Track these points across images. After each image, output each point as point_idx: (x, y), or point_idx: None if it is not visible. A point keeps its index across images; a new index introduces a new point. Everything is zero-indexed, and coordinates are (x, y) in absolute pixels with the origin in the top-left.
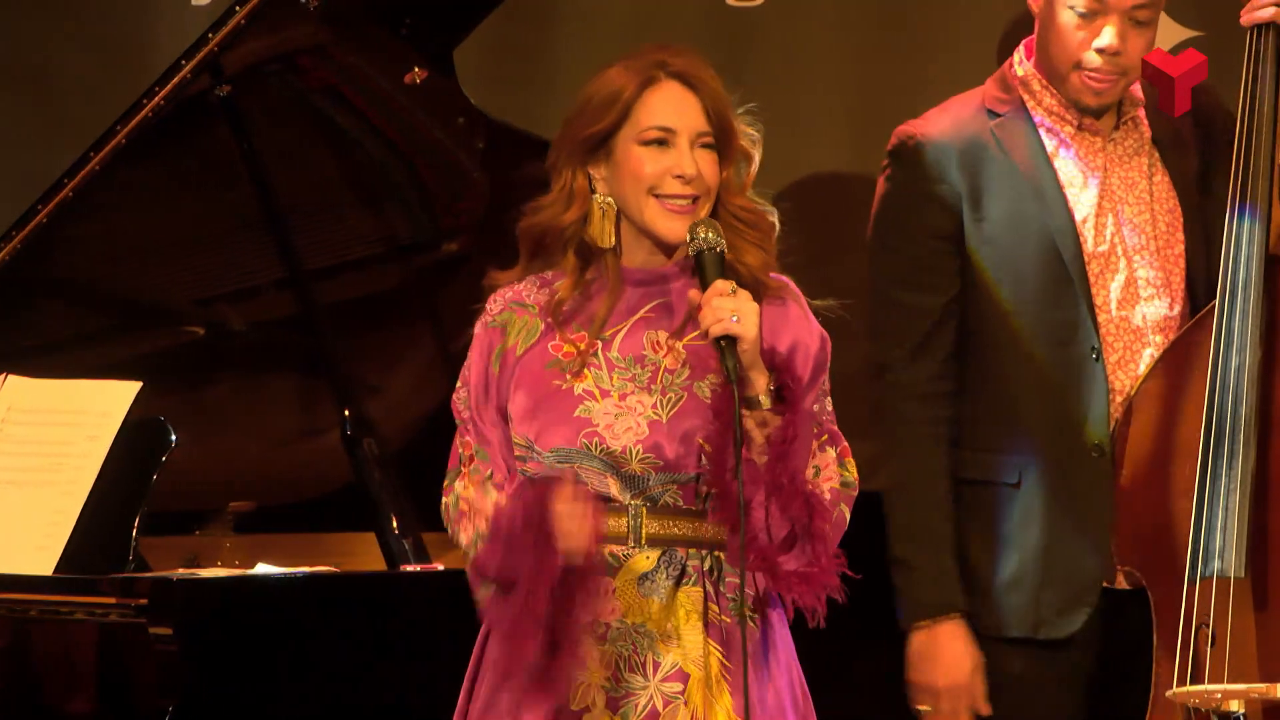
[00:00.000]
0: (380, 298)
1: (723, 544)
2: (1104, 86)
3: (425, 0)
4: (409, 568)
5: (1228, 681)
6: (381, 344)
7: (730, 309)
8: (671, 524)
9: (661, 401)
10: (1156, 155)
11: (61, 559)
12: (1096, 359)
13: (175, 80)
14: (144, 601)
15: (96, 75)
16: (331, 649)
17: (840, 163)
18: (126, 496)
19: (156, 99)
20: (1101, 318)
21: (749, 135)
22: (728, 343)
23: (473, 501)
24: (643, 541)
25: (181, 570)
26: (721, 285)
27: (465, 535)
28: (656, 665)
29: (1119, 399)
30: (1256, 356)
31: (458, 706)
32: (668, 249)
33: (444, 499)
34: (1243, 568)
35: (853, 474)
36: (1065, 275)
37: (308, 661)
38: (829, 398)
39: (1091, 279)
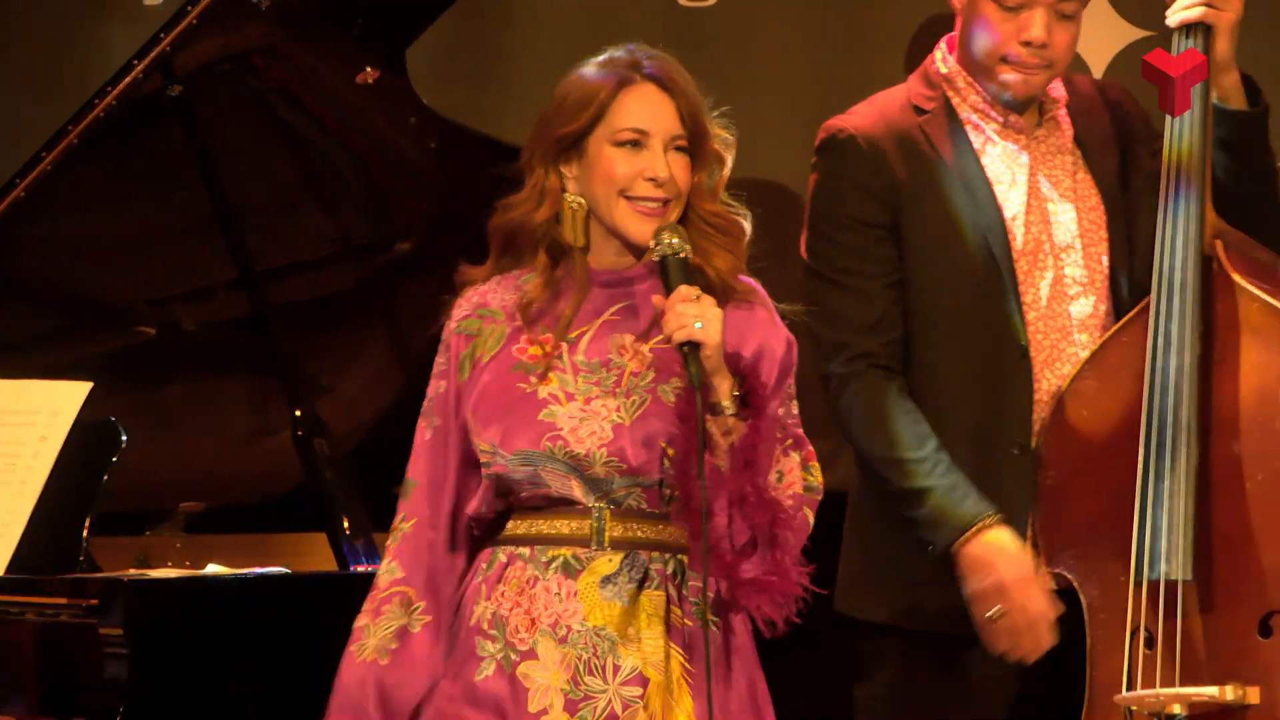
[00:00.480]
0: (333, 298)
1: (686, 547)
2: (1031, 77)
3: (377, 0)
4: (361, 568)
5: (1172, 684)
6: (334, 344)
7: (694, 315)
8: (635, 527)
9: (625, 404)
10: (1079, 154)
11: (12, 559)
12: (1023, 357)
13: (127, 80)
14: (94, 602)
15: (48, 75)
16: (283, 650)
17: (793, 162)
18: (77, 497)
19: (108, 99)
20: (1030, 315)
21: (722, 139)
22: (691, 348)
23: (377, 594)
24: (605, 544)
25: (132, 571)
26: (685, 291)
27: (365, 609)
28: (616, 669)
29: (1043, 398)
30: (1194, 358)
31: None
32: (636, 250)
33: (395, 518)
34: (1189, 570)
35: (817, 479)
36: (996, 272)
37: (258, 662)
38: (794, 402)
39: (1020, 277)
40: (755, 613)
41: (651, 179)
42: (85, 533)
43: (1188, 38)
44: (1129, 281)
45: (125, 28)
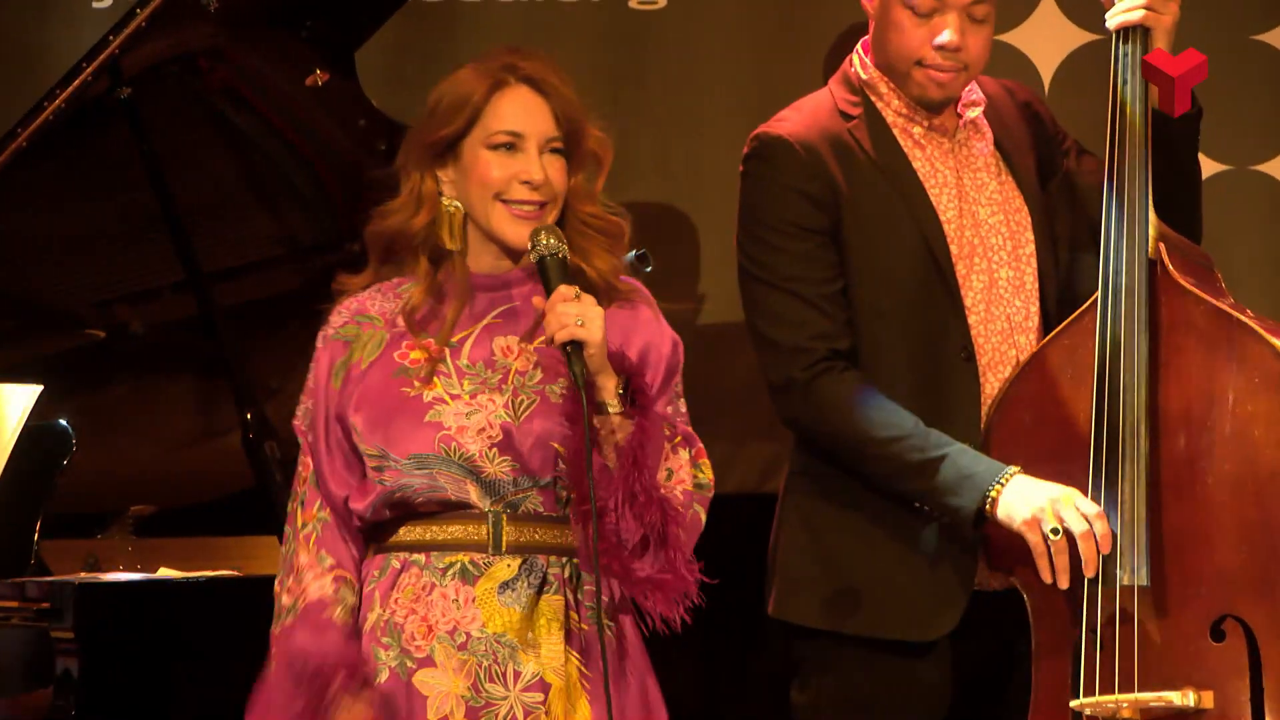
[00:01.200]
0: (280, 299)
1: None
2: (947, 79)
3: (326, 3)
4: None
5: (1129, 689)
6: (282, 346)
7: (575, 314)
8: (532, 531)
9: (513, 403)
10: (1000, 156)
11: None
12: (969, 359)
13: (76, 82)
14: (45, 605)
15: None
16: (232, 653)
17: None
18: (27, 500)
19: (57, 101)
20: (972, 319)
21: (599, 139)
22: (574, 348)
23: (300, 569)
24: (503, 549)
25: (83, 574)
26: (565, 291)
27: (284, 597)
28: (517, 675)
29: (988, 400)
30: (1144, 361)
31: None
32: (515, 254)
33: (285, 526)
34: (1145, 575)
35: (707, 475)
36: (937, 275)
37: (209, 664)
38: (682, 400)
39: (959, 280)
40: (651, 611)
41: (526, 182)
42: (35, 536)
43: (1126, 41)
44: (1055, 283)
45: (73, 29)
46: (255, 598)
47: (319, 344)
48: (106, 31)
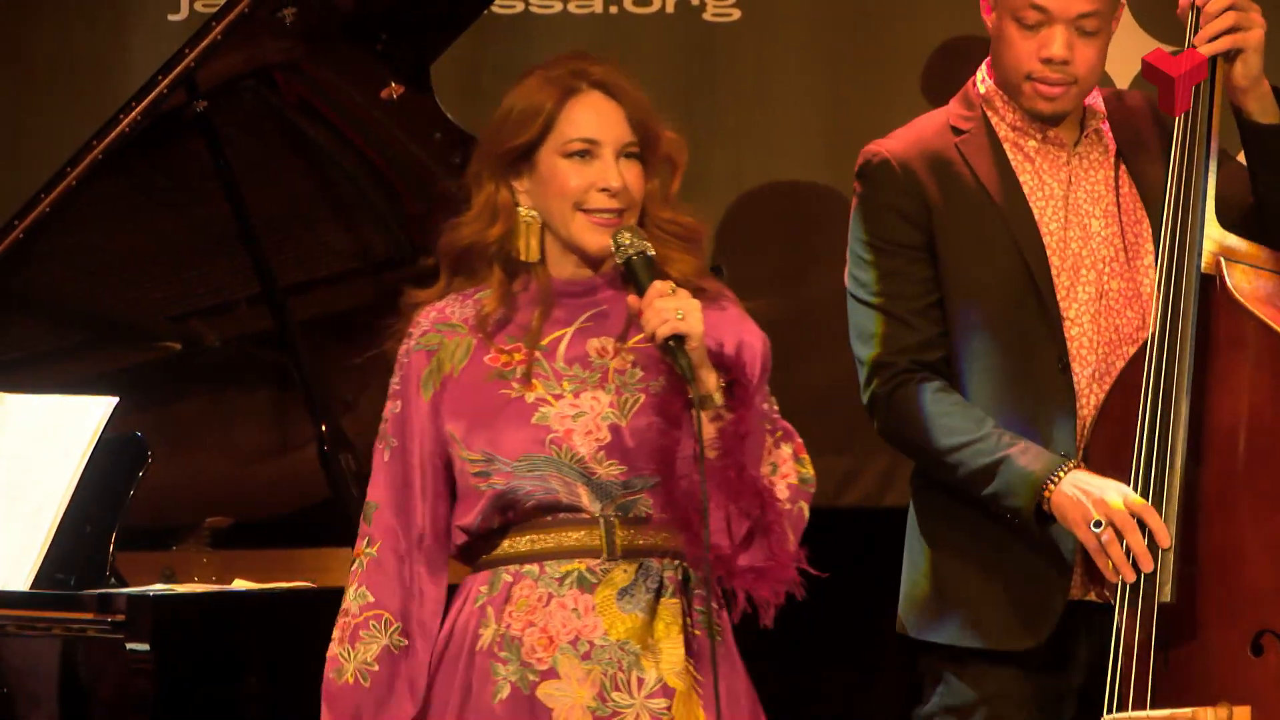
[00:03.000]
0: (355, 313)
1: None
2: (1056, 93)
3: (401, 16)
4: None
5: (1160, 705)
6: (356, 359)
7: (674, 308)
8: (644, 534)
9: (619, 402)
10: (1123, 167)
11: (38, 575)
12: (1063, 370)
13: (152, 95)
14: (121, 617)
15: (74, 90)
16: (308, 665)
17: (814, 176)
18: (103, 512)
19: (133, 114)
20: (1073, 331)
21: (674, 141)
22: (676, 342)
23: (343, 608)
24: (617, 554)
25: (158, 586)
26: (660, 286)
27: (336, 639)
28: (641, 681)
29: (1087, 412)
30: (1187, 377)
31: None
32: (594, 262)
33: (357, 543)
34: (1168, 593)
35: (810, 470)
36: (1032, 288)
37: (284, 677)
38: (774, 398)
39: (1062, 292)
40: (755, 595)
41: (605, 189)
42: (111, 548)
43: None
44: None
45: (150, 43)
46: (329, 610)
47: (401, 358)
48: (182, 45)
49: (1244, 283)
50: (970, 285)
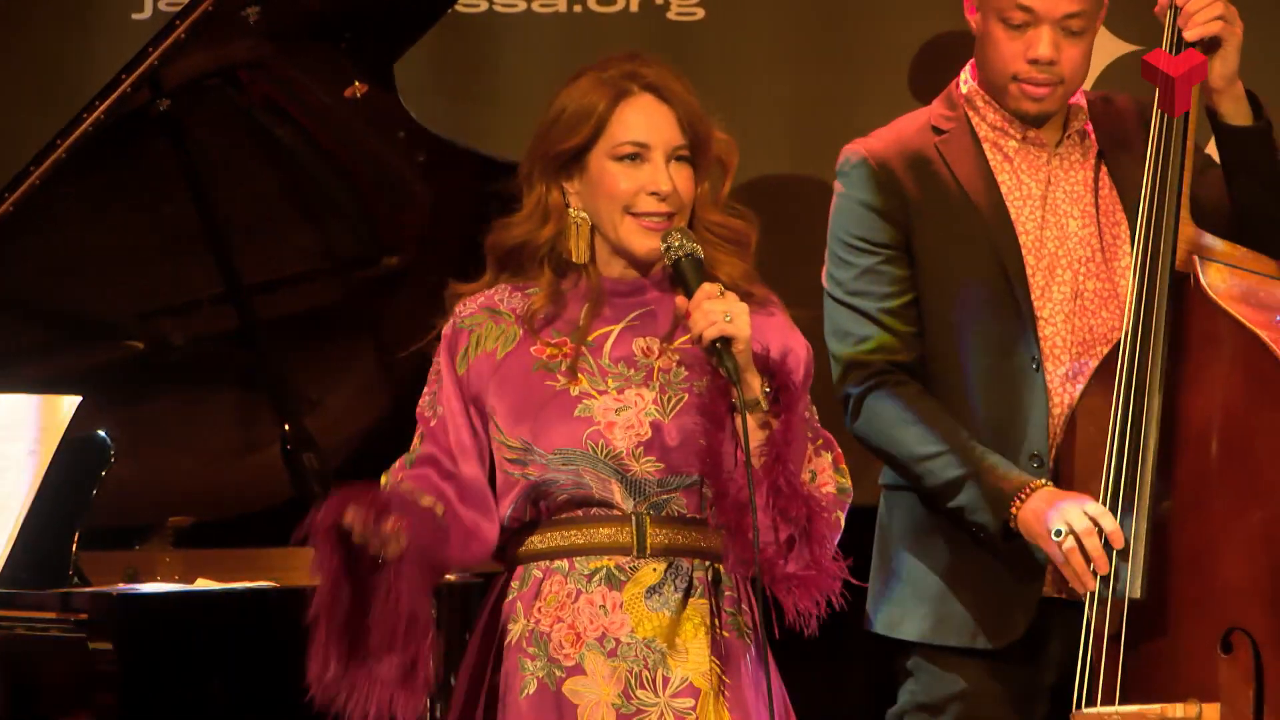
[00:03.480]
0: (320, 312)
1: (722, 554)
2: (1042, 93)
3: (365, 15)
4: None
5: (1129, 701)
6: (321, 359)
7: (722, 310)
8: (675, 533)
9: (663, 399)
10: (1104, 168)
11: (0, 574)
12: (1037, 369)
13: (116, 94)
14: (84, 617)
15: (36, 89)
16: (272, 664)
17: (780, 173)
18: (66, 511)
19: (97, 113)
20: (1047, 330)
21: (725, 143)
22: (723, 344)
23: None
24: (647, 552)
25: (122, 585)
26: (709, 288)
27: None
28: (666, 680)
29: (1060, 411)
30: (1159, 374)
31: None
32: (643, 264)
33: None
34: (1138, 588)
35: (848, 480)
36: (1007, 288)
37: (248, 676)
38: (814, 407)
39: (1037, 291)
40: (791, 608)
41: (654, 193)
42: (74, 547)
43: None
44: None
45: (114, 42)
46: (293, 609)
47: (445, 333)
48: (146, 44)
49: (1219, 281)
50: (947, 285)
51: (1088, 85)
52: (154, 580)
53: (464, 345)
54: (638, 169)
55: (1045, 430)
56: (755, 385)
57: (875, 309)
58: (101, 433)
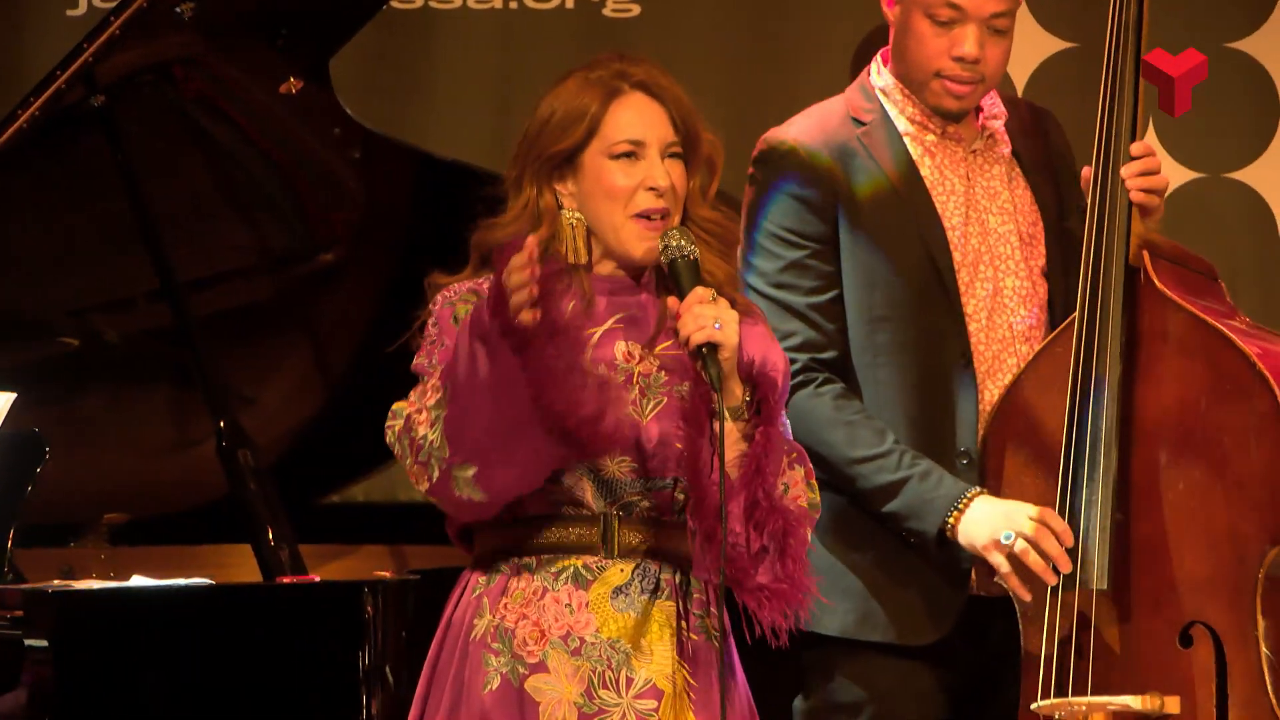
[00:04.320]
0: (254, 309)
1: (691, 557)
2: (965, 91)
3: (300, 11)
4: (285, 579)
5: (1090, 693)
6: (255, 355)
7: (712, 316)
8: (644, 535)
9: (641, 402)
10: (1016, 167)
11: None
12: (967, 365)
13: (50, 91)
14: (19, 614)
15: None
16: (209, 661)
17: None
18: (1, 508)
19: (31, 109)
20: (972, 326)
21: (712, 143)
22: (710, 350)
23: (422, 395)
24: (615, 553)
25: (57, 582)
26: (702, 293)
27: (423, 424)
28: (630, 681)
29: (987, 409)
30: (1118, 368)
31: None
32: (637, 268)
33: (389, 427)
34: (1105, 580)
35: (817, 496)
36: (938, 282)
37: (184, 673)
38: (787, 420)
39: (961, 287)
40: (763, 620)
41: (652, 189)
42: (9, 544)
43: (1117, 49)
44: (1064, 295)
45: (48, 39)
46: (229, 606)
47: (438, 303)
48: (81, 40)
49: (1170, 277)
50: (875, 279)
51: (1021, 82)
52: (89, 578)
53: (457, 315)
54: (634, 166)
55: (975, 428)
56: (737, 394)
57: (802, 304)
58: (36, 430)
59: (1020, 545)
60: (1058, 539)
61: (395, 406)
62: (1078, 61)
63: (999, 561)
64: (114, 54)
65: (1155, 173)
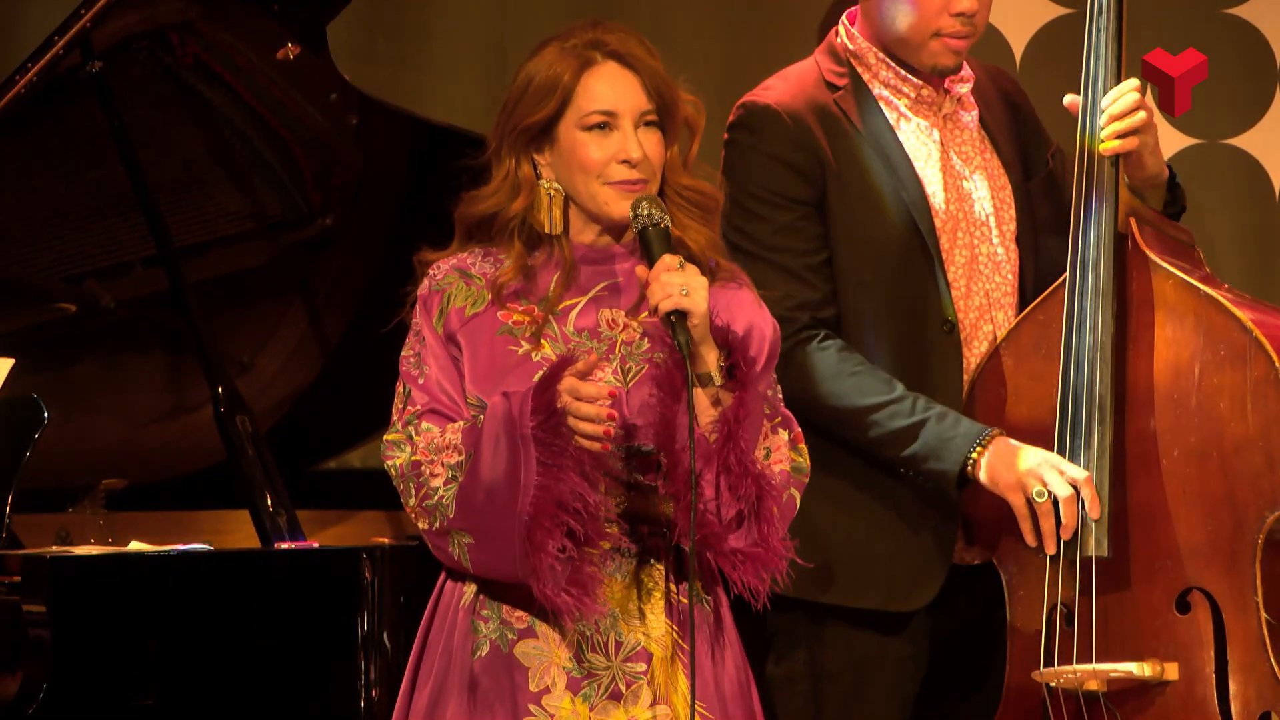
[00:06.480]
0: (250, 274)
1: (675, 521)
2: (962, 46)
3: None
4: (283, 545)
5: (1090, 660)
6: (252, 321)
7: (679, 283)
8: (631, 499)
9: (622, 369)
10: (984, 133)
11: None
12: (950, 332)
13: (48, 57)
14: (17, 579)
15: None
16: (206, 626)
17: (711, 138)
18: None
19: (29, 75)
20: (954, 293)
21: (692, 104)
22: (678, 317)
23: (434, 442)
24: (603, 519)
25: (54, 548)
26: (669, 260)
27: (437, 477)
28: (619, 645)
29: (970, 374)
30: (1110, 335)
31: (397, 704)
32: (617, 230)
33: (389, 461)
34: (1106, 547)
35: (805, 459)
36: (921, 247)
37: (182, 638)
38: (779, 386)
39: (943, 252)
40: (737, 583)
41: (625, 160)
42: (7, 510)
43: (1099, 15)
44: (1034, 261)
45: (44, 4)
46: (226, 571)
47: (421, 295)
48: (78, 5)
49: (1155, 242)
50: (860, 244)
51: (1019, 49)
52: (87, 543)
53: (438, 305)
54: (607, 137)
55: (959, 394)
56: (711, 360)
57: (799, 265)
58: (34, 395)
59: (1045, 507)
60: (1084, 507)
61: (388, 437)
62: (1076, 27)
63: (1019, 503)
64: (111, 19)
65: (1129, 112)
